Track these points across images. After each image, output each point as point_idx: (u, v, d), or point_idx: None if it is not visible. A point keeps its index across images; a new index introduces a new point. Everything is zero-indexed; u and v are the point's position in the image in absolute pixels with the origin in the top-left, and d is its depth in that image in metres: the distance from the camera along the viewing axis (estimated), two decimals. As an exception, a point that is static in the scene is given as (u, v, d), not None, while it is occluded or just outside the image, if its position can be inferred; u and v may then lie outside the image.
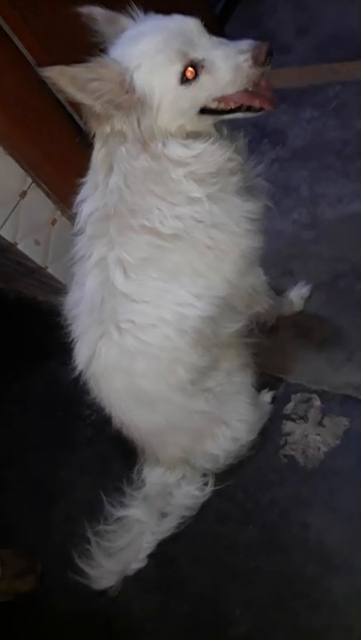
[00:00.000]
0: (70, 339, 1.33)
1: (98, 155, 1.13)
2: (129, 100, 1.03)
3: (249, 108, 1.14)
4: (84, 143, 1.80)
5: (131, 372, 1.28)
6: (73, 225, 1.81)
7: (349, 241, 1.80)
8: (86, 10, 1.11)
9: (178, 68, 1.03)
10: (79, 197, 1.21)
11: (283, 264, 1.85)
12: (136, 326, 1.23)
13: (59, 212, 1.83)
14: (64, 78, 0.97)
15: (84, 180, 1.21)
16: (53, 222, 1.83)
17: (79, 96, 1.00)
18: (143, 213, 1.12)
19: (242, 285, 1.32)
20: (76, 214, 1.25)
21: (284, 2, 2.49)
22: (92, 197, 1.17)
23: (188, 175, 1.10)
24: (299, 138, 2.17)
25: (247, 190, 1.22)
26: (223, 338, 1.36)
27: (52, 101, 1.76)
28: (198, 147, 1.10)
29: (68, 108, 1.82)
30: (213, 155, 1.12)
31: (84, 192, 1.20)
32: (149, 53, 1.03)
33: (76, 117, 1.85)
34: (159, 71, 1.04)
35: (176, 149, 1.09)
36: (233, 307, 1.34)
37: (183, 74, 1.04)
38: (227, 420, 1.46)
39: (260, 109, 1.14)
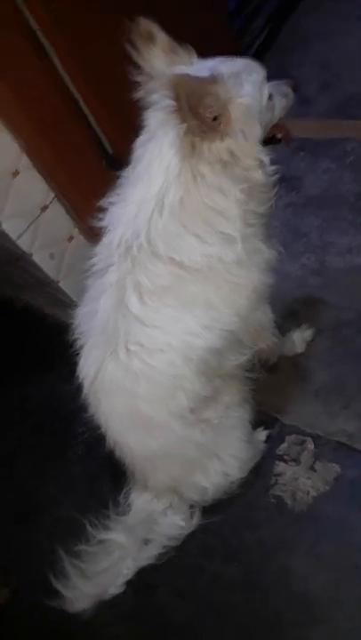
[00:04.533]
0: (75, 353, 1.34)
1: (165, 170, 1.11)
2: (229, 119, 1.08)
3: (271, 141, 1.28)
4: (110, 166, 1.87)
5: (133, 393, 1.28)
6: (89, 244, 1.86)
7: (355, 291, 1.84)
8: (148, 25, 1.12)
9: (267, 85, 1.17)
10: (114, 210, 1.22)
11: (288, 305, 1.88)
12: (144, 349, 1.24)
13: (76, 230, 1.87)
14: (183, 88, 0.99)
15: (120, 194, 1.22)
16: (70, 239, 1.86)
17: (188, 109, 1.01)
18: (175, 247, 1.16)
19: (250, 320, 1.35)
20: (97, 229, 1.26)
21: (312, 57, 2.61)
22: (131, 216, 1.17)
23: (242, 214, 1.15)
24: (314, 186, 2.24)
25: (268, 235, 1.28)
26: (227, 369, 1.38)
27: (82, 123, 1.82)
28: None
29: (97, 131, 1.88)
30: (269, 192, 1.20)
31: (121, 208, 1.20)
32: (246, 72, 1.14)
33: (104, 141, 1.91)
34: (259, 87, 1.15)
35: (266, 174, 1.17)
36: (239, 340, 1.37)
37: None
38: (220, 454, 1.46)
39: (280, 140, 1.29)
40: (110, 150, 1.92)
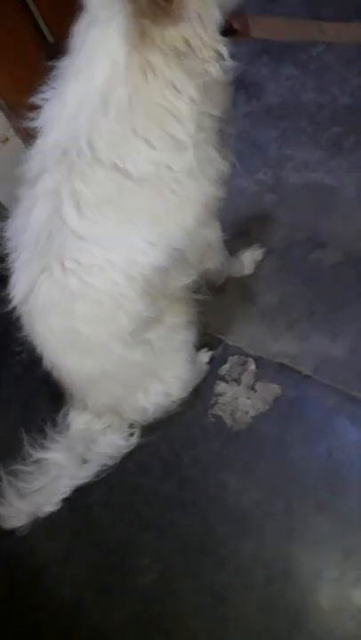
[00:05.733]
0: (7, 270, 1.24)
1: (110, 61, 0.97)
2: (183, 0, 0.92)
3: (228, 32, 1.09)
4: (50, 58, 1.66)
5: (70, 313, 1.21)
6: (26, 146, 1.68)
7: (310, 209, 1.78)
8: None
9: None
10: (50, 108, 1.08)
11: (240, 224, 1.81)
12: (82, 267, 1.16)
13: (12, 131, 1.69)
14: None
15: (57, 89, 1.07)
16: (5, 141, 1.69)
17: None
18: (120, 152, 1.04)
19: (198, 237, 1.27)
20: (33, 130, 1.12)
21: None
22: (69, 115, 1.04)
23: (196, 115, 1.03)
24: (275, 95, 2.10)
25: (222, 144, 1.17)
26: (172, 290, 1.32)
27: (17, 6, 1.59)
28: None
29: (35, 15, 1.66)
30: (226, 92, 1.08)
31: (58, 106, 1.06)
32: None
33: (43, 27, 1.69)
34: None
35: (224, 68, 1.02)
36: (186, 260, 1.29)
37: None
38: (161, 375, 1.43)
39: (237, 32, 1.14)
40: (51, 39, 1.70)
